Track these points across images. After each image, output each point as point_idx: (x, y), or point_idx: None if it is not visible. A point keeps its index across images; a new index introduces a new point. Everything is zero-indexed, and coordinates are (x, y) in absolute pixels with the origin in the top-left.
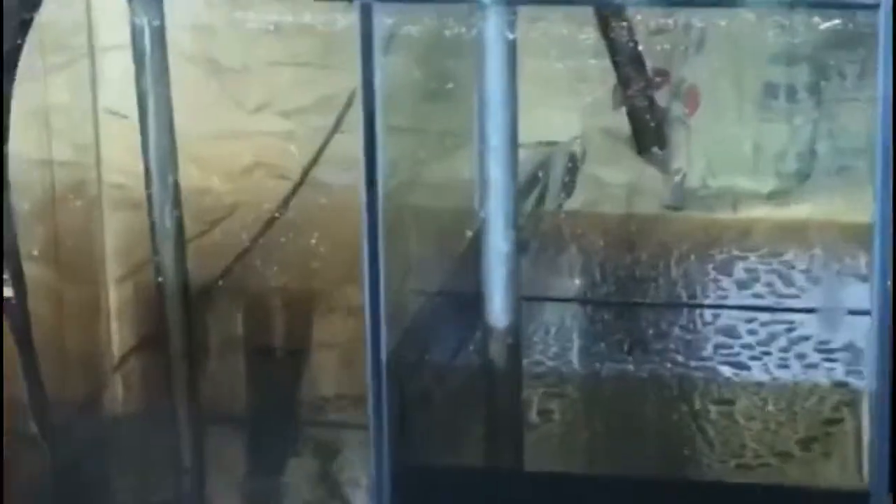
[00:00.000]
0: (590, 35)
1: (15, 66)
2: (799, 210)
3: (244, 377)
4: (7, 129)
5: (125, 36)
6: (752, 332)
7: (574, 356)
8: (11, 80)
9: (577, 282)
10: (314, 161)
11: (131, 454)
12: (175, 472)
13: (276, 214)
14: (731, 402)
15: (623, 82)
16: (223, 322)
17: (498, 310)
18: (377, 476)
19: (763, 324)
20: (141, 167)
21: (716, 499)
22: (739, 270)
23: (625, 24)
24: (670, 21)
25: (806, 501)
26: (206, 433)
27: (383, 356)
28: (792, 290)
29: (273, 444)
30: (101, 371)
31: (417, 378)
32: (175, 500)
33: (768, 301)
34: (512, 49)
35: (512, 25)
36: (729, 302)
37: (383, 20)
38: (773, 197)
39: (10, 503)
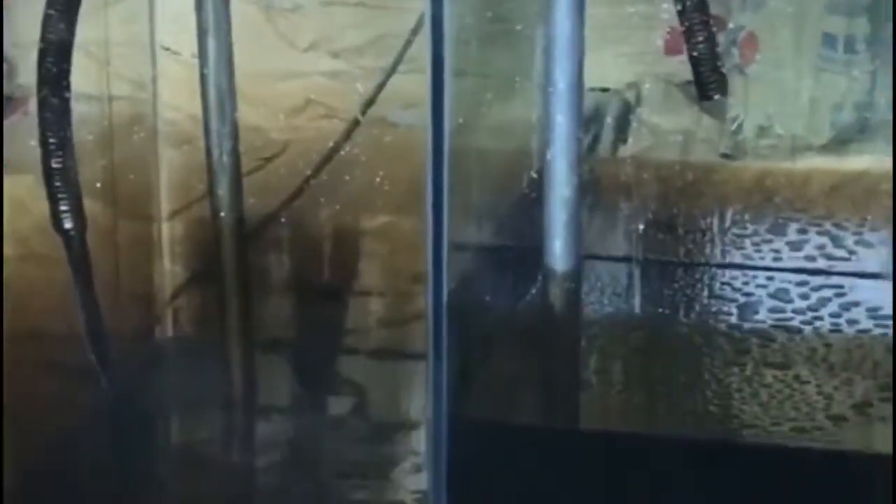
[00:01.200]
0: None
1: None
2: (857, 161)
3: (298, 314)
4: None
5: None
6: (803, 297)
7: (625, 313)
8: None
9: (629, 232)
10: (372, 100)
11: (184, 386)
12: (226, 404)
13: (335, 151)
14: (785, 366)
15: (687, 29)
16: (279, 258)
17: (558, 254)
18: (435, 427)
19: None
20: (193, 103)
21: (771, 461)
22: (792, 230)
23: None
24: None
25: (861, 466)
26: (258, 367)
27: (444, 298)
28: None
29: (325, 380)
30: (154, 305)
31: (477, 322)
32: (226, 430)
33: (821, 263)
34: None
35: None
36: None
37: None
38: (829, 148)
39: (69, 434)
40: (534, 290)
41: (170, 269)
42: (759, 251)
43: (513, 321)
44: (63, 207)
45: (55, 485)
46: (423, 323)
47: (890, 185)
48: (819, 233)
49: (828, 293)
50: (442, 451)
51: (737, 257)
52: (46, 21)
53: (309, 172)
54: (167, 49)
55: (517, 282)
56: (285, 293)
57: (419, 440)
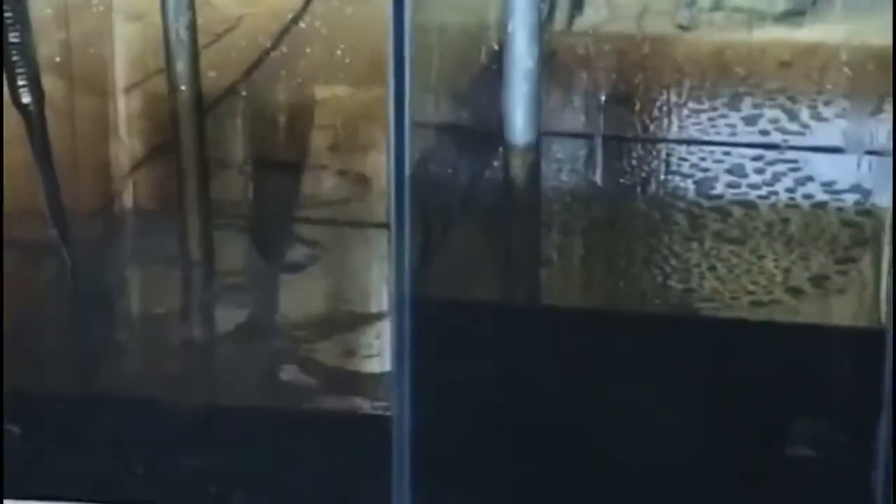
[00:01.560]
0: None
1: None
2: (812, 32)
3: (255, 187)
4: None
5: None
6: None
7: (583, 189)
8: None
9: (586, 107)
10: None
11: (143, 255)
12: (186, 271)
13: (294, 22)
14: (741, 242)
15: None
16: (234, 133)
17: (519, 127)
18: (398, 298)
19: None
20: None
21: (729, 335)
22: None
23: None
24: None
25: (820, 338)
26: (215, 238)
27: (406, 171)
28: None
29: (283, 250)
30: (113, 180)
31: (438, 195)
32: (186, 295)
33: (775, 137)
34: None
35: None
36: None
37: None
38: (784, 19)
39: (31, 301)
40: (495, 163)
41: (128, 144)
42: (714, 127)
43: (474, 194)
44: (21, 82)
45: (21, 360)
46: (384, 196)
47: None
48: (773, 106)
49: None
50: (404, 322)
51: (693, 132)
52: None
53: (267, 46)
54: None
55: (478, 156)
56: (244, 166)
57: (380, 307)
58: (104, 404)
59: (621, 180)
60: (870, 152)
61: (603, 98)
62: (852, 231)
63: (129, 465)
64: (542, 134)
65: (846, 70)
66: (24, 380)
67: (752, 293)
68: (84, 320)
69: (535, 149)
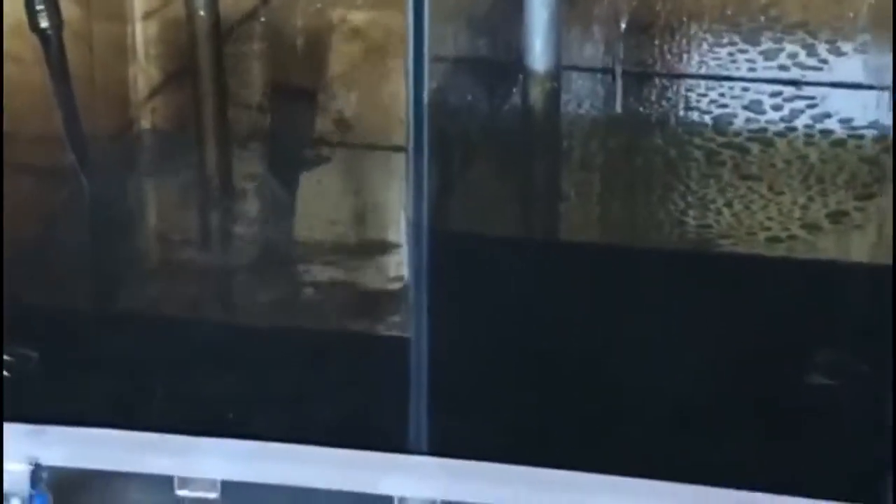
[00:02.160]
0: None
1: None
2: None
3: (277, 113)
4: None
5: None
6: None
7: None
8: None
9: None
10: None
11: (162, 182)
12: (203, 194)
13: None
14: (758, 178)
15: None
16: (254, 59)
17: (539, 54)
18: (416, 225)
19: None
20: None
21: (747, 271)
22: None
23: None
24: None
25: (838, 274)
26: (235, 165)
27: (425, 97)
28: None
29: (300, 171)
30: (130, 105)
31: (457, 121)
32: (204, 218)
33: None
34: None
35: None
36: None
37: None
38: None
39: (51, 223)
40: (514, 91)
41: (145, 70)
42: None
43: (493, 123)
44: (39, 7)
45: (39, 284)
46: (403, 122)
47: None
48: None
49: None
50: (422, 248)
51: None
52: None
53: None
54: None
55: (497, 84)
56: (262, 92)
57: (398, 233)
58: (122, 325)
59: (640, 111)
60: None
61: (623, 27)
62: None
63: (147, 387)
64: (563, 67)
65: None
66: (43, 301)
67: (768, 229)
68: (101, 243)
69: (556, 75)
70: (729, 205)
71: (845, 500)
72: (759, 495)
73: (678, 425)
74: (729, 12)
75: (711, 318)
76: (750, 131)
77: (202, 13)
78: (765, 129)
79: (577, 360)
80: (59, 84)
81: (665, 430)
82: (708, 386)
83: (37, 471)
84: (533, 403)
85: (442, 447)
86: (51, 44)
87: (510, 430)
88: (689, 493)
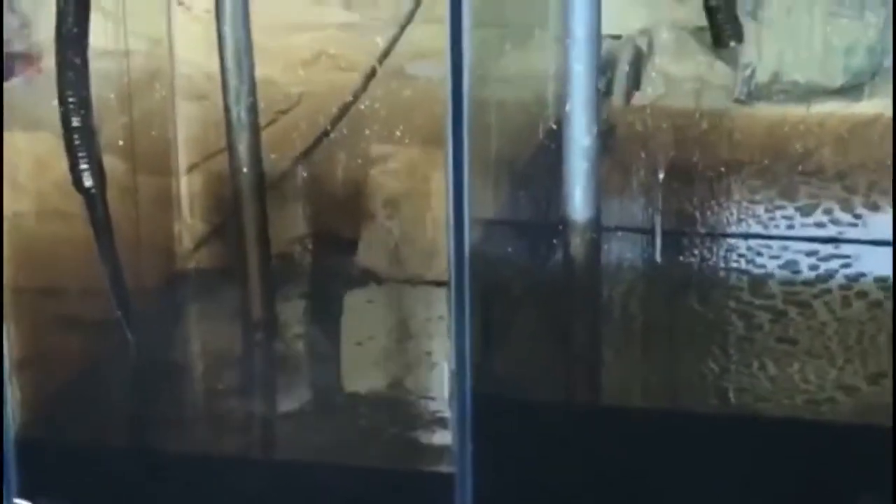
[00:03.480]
0: None
1: None
2: (870, 105)
3: (319, 264)
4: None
5: None
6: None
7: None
8: None
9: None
10: (387, 51)
11: (205, 340)
12: (248, 360)
13: (352, 102)
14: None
15: None
16: (296, 211)
17: (579, 204)
18: (460, 403)
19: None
20: (205, 57)
21: (788, 435)
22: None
23: None
24: None
25: (876, 439)
26: (279, 319)
27: (466, 250)
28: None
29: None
30: (175, 259)
31: (498, 273)
32: (248, 380)
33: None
34: None
35: None
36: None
37: None
38: (842, 92)
39: (97, 384)
40: (555, 240)
41: (190, 223)
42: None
43: (537, 273)
44: (83, 166)
45: (86, 429)
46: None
47: None
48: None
49: None
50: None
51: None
52: None
53: (328, 126)
54: (181, 3)
55: (538, 231)
56: (302, 244)
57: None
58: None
59: (679, 265)
60: None
61: (661, 175)
62: None
63: None
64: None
65: None
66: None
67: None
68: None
69: (596, 224)
70: (762, 367)
71: None
72: None
73: None
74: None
75: (748, 480)
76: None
77: (245, 170)
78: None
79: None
80: (104, 242)
81: None
82: None
83: None
84: None
85: None
86: (95, 203)
87: None
88: None
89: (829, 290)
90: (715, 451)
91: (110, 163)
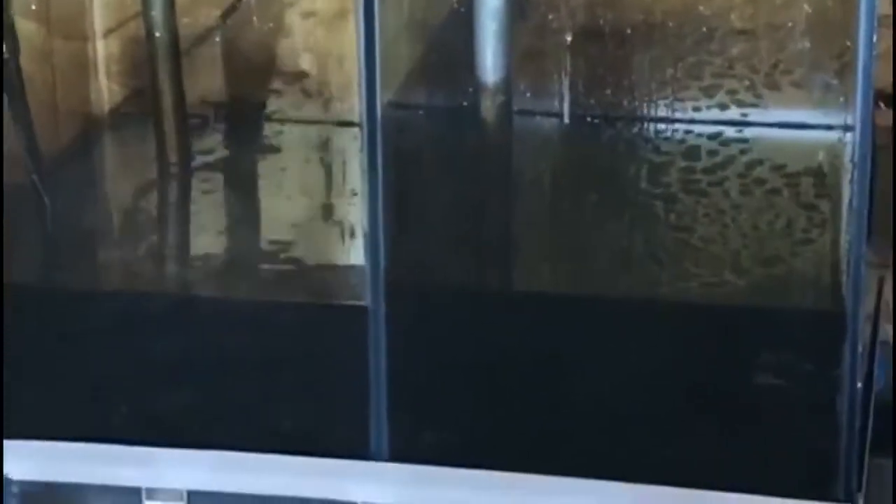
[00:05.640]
0: None
1: None
2: None
3: (236, 127)
4: None
5: None
6: None
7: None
8: None
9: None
10: None
11: (118, 201)
12: (162, 215)
13: None
14: None
15: None
16: (212, 76)
17: (490, 65)
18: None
19: None
20: None
21: (685, 318)
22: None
23: None
24: None
25: (777, 322)
26: (194, 179)
27: (378, 104)
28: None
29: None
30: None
31: (411, 131)
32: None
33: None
34: None
35: None
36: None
37: None
38: None
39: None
40: (465, 103)
41: (106, 86)
42: None
43: (446, 133)
44: None
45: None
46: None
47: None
48: None
49: None
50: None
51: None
52: None
53: None
54: None
55: (450, 91)
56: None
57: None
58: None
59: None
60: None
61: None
62: None
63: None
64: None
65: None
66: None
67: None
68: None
69: (506, 86)
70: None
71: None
72: (708, 493)
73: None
74: None
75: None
76: None
77: (158, 33)
78: None
79: (529, 372)
80: (16, 108)
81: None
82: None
83: (7, 484)
84: (488, 411)
85: (403, 453)
86: (8, 69)
87: (467, 436)
88: (637, 492)
89: None
90: (615, 333)
91: (25, 27)
